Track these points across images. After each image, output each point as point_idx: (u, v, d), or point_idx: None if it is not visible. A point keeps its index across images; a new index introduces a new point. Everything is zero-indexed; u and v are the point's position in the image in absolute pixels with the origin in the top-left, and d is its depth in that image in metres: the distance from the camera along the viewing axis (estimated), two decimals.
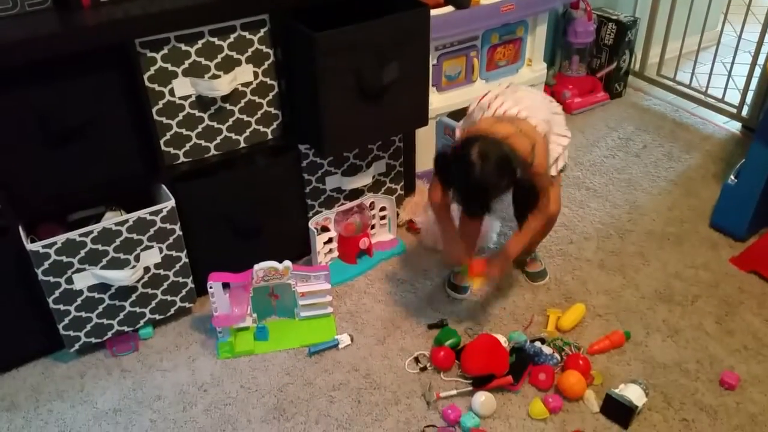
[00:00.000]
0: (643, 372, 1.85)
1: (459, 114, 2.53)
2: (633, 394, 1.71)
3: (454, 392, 1.80)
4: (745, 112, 2.94)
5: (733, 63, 2.99)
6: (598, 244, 2.32)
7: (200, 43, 1.75)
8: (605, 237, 2.35)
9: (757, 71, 2.81)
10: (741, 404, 1.77)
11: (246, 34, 1.81)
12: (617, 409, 1.71)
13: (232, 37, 1.79)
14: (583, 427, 1.71)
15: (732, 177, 2.27)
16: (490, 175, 1.63)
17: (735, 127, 2.96)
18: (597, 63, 3.17)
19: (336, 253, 2.27)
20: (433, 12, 2.18)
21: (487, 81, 2.57)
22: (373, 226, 2.33)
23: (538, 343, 1.87)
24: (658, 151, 2.80)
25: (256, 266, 1.92)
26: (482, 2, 2.37)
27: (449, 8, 2.31)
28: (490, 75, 2.57)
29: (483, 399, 1.73)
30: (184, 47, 1.74)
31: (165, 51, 1.72)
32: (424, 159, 2.55)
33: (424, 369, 1.88)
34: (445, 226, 1.99)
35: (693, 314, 2.03)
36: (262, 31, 1.84)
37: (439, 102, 2.47)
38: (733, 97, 3.00)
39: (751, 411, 1.75)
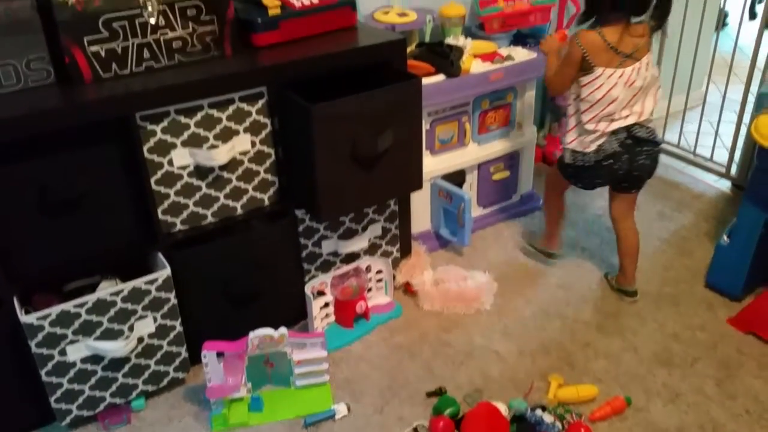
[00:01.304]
0: None
1: (453, 176, 2.58)
2: None
3: None
4: (734, 170, 2.99)
5: (719, 122, 3.06)
6: (596, 305, 2.32)
7: (199, 115, 1.79)
8: (602, 298, 2.35)
9: (743, 130, 2.87)
10: None
11: (244, 105, 1.85)
12: None
13: (231, 109, 1.83)
14: None
15: (725, 237, 2.29)
16: None
17: (725, 185, 3.01)
18: None
19: (333, 318, 2.26)
20: (425, 80, 2.25)
21: (479, 144, 2.62)
22: (369, 290, 2.32)
23: (539, 411, 1.84)
24: (650, 210, 2.83)
25: (252, 334, 1.90)
26: (472, 71, 2.43)
27: (441, 77, 2.37)
28: (481, 138, 2.62)
29: None
30: (183, 119, 1.77)
31: (165, 123, 1.75)
32: (420, 221, 2.57)
33: None
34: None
35: (693, 377, 2.02)
36: (260, 102, 1.88)
37: (433, 165, 2.50)
38: (722, 155, 3.06)
39: None
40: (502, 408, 1.85)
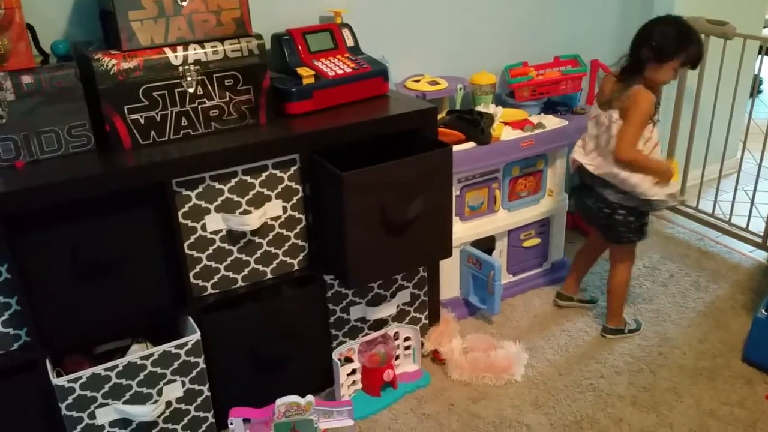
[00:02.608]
0: None
1: (482, 242, 2.57)
2: None
3: None
4: None
5: (755, 191, 3.02)
6: (630, 379, 2.25)
7: (233, 181, 1.83)
8: (636, 371, 2.29)
9: None
10: None
11: (277, 172, 1.90)
12: None
13: (264, 175, 1.88)
14: None
15: (762, 310, 2.22)
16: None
17: (762, 255, 2.94)
18: None
19: (360, 385, 2.23)
20: (456, 148, 2.28)
21: (509, 210, 2.62)
22: (397, 357, 2.30)
23: None
24: (685, 280, 2.77)
25: (278, 401, 1.88)
26: (502, 138, 2.46)
27: (471, 144, 2.40)
28: (511, 205, 2.63)
29: None
30: (218, 186, 1.82)
31: (200, 189, 1.80)
32: (449, 288, 2.56)
33: None
34: (656, 161, 2.25)
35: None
36: (292, 169, 1.92)
37: (462, 231, 2.51)
38: (758, 224, 3.00)
39: None
40: None
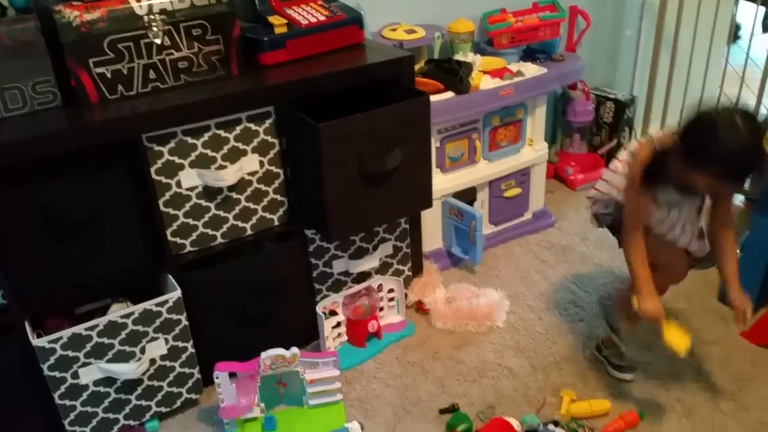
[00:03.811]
0: None
1: (464, 194, 2.57)
2: None
3: None
4: (746, 184, 2.95)
5: None
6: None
7: (207, 135, 1.80)
8: None
9: None
10: None
11: (252, 125, 1.87)
12: None
13: (238, 129, 1.85)
14: None
15: (737, 250, 2.25)
16: (759, 136, 1.55)
17: (738, 199, 2.97)
18: (598, 140, 3.23)
19: (345, 337, 2.25)
20: (434, 98, 2.25)
21: (490, 161, 2.62)
22: (381, 309, 2.31)
23: (551, 426, 1.82)
24: None
25: (263, 354, 1.90)
26: (481, 87, 2.44)
27: (450, 94, 2.38)
28: (492, 155, 2.62)
29: None
30: (190, 140, 1.78)
31: (172, 144, 1.76)
32: (431, 240, 2.56)
33: None
34: (644, 270, 1.77)
35: (707, 391, 1.98)
36: (267, 122, 1.89)
37: (443, 183, 2.50)
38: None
39: None
40: (515, 423, 1.83)
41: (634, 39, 3.21)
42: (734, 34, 3.73)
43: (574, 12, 2.95)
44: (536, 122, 2.69)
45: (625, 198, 1.80)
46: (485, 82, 2.47)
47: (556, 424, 1.84)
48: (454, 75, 2.38)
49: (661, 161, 1.70)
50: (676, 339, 1.74)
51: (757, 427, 1.86)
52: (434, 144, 2.41)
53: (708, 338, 2.19)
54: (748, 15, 3.14)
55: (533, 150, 2.72)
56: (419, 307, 2.39)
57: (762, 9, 4.25)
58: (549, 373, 2.08)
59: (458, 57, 2.53)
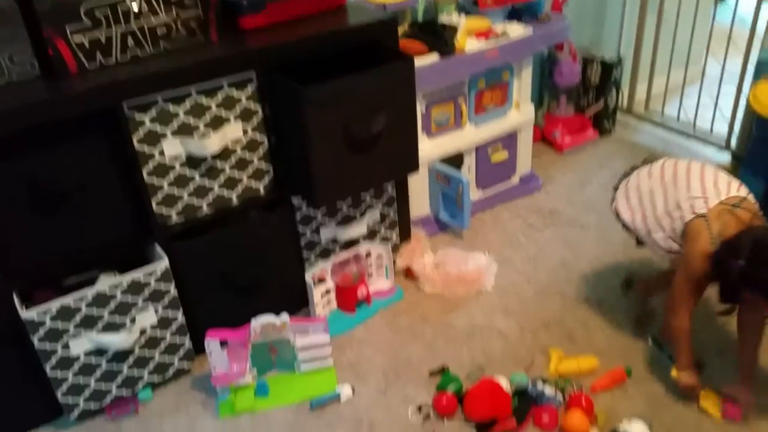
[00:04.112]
0: (646, 408, 1.82)
1: (450, 159, 2.56)
2: (637, 430, 1.68)
3: None
4: (733, 142, 2.96)
5: (718, 95, 3.03)
6: (596, 282, 2.31)
7: (188, 103, 1.78)
8: (602, 274, 2.34)
9: (743, 101, 2.84)
10: None
11: (233, 91, 1.85)
12: None
13: (220, 95, 1.83)
14: None
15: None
16: None
17: (725, 158, 2.98)
18: (585, 102, 3.22)
19: (334, 304, 2.26)
20: (419, 61, 2.23)
21: (476, 125, 2.61)
22: (370, 275, 2.32)
23: (540, 384, 1.84)
24: None
25: (254, 322, 1.91)
26: (466, 49, 2.41)
27: (434, 56, 2.35)
28: (479, 119, 2.61)
29: None
30: (172, 108, 1.77)
31: (153, 113, 1.74)
32: (419, 206, 2.57)
33: (427, 417, 1.85)
34: (687, 345, 1.79)
35: (693, 345, 2.00)
36: (250, 87, 1.87)
37: (430, 148, 2.49)
38: (722, 128, 3.03)
39: None
40: (504, 383, 1.85)
41: None
42: None
43: None
44: (523, 84, 2.68)
45: (680, 281, 1.76)
46: (470, 44, 2.44)
47: (544, 382, 1.86)
48: (438, 37, 2.35)
49: (721, 265, 1.65)
50: (711, 405, 1.81)
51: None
52: (420, 108, 2.40)
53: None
54: None
55: (520, 113, 2.71)
56: (408, 273, 2.40)
57: None
58: (537, 334, 2.11)
59: (442, 18, 2.50)
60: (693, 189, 1.76)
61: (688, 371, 1.80)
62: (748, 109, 2.83)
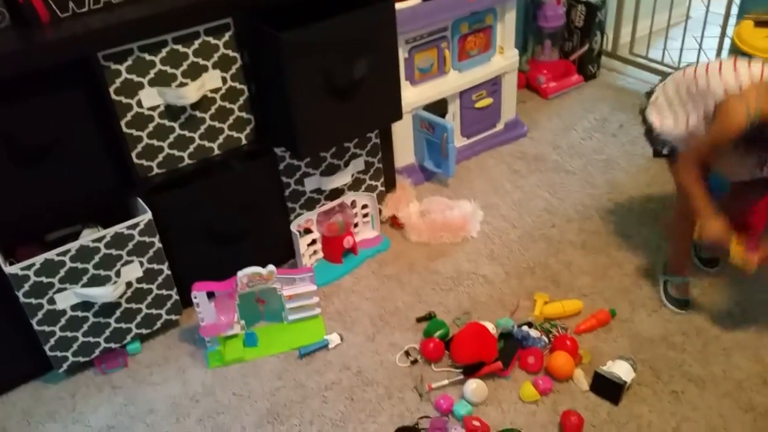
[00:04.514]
0: (630, 348, 1.86)
1: (434, 106, 2.54)
2: (621, 370, 1.72)
3: (445, 382, 1.80)
4: None
5: (702, 36, 3.00)
6: (581, 225, 2.33)
7: (164, 51, 1.74)
8: (587, 218, 2.36)
9: (727, 43, 2.82)
10: (728, 372, 1.78)
11: (210, 39, 1.80)
12: (607, 386, 1.71)
13: (197, 43, 1.78)
14: (574, 407, 1.71)
15: None
16: None
17: None
18: (569, 46, 3.18)
19: (321, 254, 2.27)
20: (400, 5, 2.19)
21: (460, 71, 2.58)
22: (356, 225, 2.32)
23: (525, 327, 1.87)
24: (634, 129, 2.80)
25: (240, 273, 1.91)
26: None
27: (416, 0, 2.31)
28: (462, 65, 2.57)
29: (474, 386, 1.74)
30: (148, 57, 1.72)
31: (129, 62, 1.70)
32: (404, 155, 2.55)
33: (414, 362, 1.88)
34: (704, 198, 1.74)
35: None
36: (227, 35, 1.83)
37: (414, 96, 2.47)
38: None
39: (738, 377, 1.77)
40: (490, 327, 1.88)
41: None
42: None
43: None
44: (506, 29, 2.63)
45: (699, 145, 1.75)
46: None
47: (530, 325, 1.89)
48: None
49: (756, 140, 1.65)
50: (743, 257, 1.72)
51: (726, 317, 1.94)
52: (402, 55, 2.36)
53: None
54: None
55: (504, 58, 2.68)
56: (394, 222, 2.40)
57: None
58: (522, 279, 2.13)
59: None
60: (725, 74, 1.72)
61: (713, 219, 1.72)
62: (732, 48, 2.81)
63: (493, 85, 2.69)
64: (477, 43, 2.58)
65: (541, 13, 3.01)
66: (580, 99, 3.08)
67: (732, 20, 2.76)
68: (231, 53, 1.85)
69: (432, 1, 2.32)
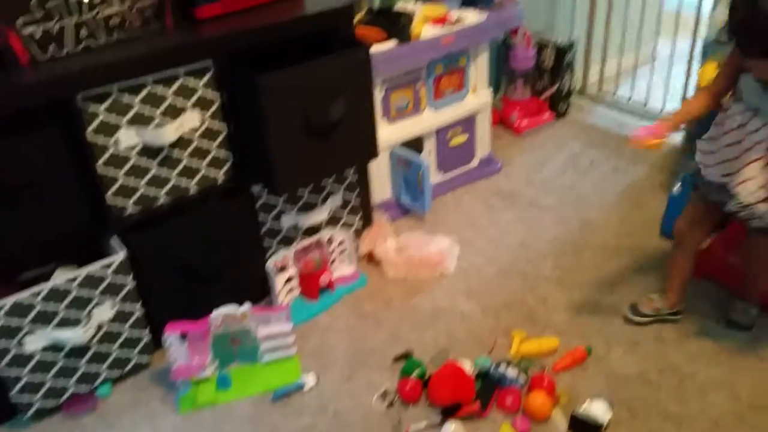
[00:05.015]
0: (606, 386, 1.87)
1: (411, 144, 2.57)
2: (598, 410, 1.73)
3: (423, 425, 1.78)
4: None
5: (669, 74, 3.10)
6: (555, 261, 2.36)
7: (144, 92, 1.74)
8: (561, 253, 2.39)
9: (693, 81, 2.91)
10: (704, 409, 1.80)
11: (190, 80, 1.81)
12: (584, 428, 1.72)
13: (176, 84, 1.79)
14: None
15: (677, 186, 2.33)
16: None
17: (678, 136, 3.05)
18: (540, 85, 3.25)
19: (297, 292, 2.25)
20: (377, 48, 2.23)
21: (435, 109, 2.61)
22: (333, 261, 2.32)
23: (502, 366, 1.87)
24: (605, 165, 2.87)
25: (214, 313, 1.89)
26: (423, 35, 2.41)
27: (392, 43, 2.35)
28: (437, 103, 2.62)
29: (452, 428, 1.72)
30: (127, 98, 1.72)
31: (108, 103, 1.70)
32: (381, 190, 2.57)
33: (391, 404, 1.86)
34: (685, 114, 1.84)
35: (651, 324, 2.07)
36: (206, 76, 1.83)
37: (390, 133, 2.49)
38: (673, 108, 3.10)
39: (713, 415, 1.79)
40: (468, 366, 1.88)
41: None
42: None
43: None
44: (479, 69, 2.69)
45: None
46: (427, 31, 2.45)
47: (507, 364, 1.89)
48: (395, 23, 2.34)
49: None
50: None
51: (699, 356, 1.96)
52: (379, 94, 2.39)
53: (649, 267, 2.28)
54: None
55: (477, 97, 2.73)
56: (371, 258, 2.40)
57: None
58: (499, 315, 2.14)
59: (399, 5, 2.50)
60: None
61: (669, 122, 1.80)
62: (698, 88, 2.90)
63: (468, 122, 2.74)
64: (451, 83, 2.63)
65: (512, 55, 3.08)
66: (551, 136, 3.14)
67: (697, 58, 2.86)
68: (210, 93, 1.86)
69: (407, 45, 2.36)
